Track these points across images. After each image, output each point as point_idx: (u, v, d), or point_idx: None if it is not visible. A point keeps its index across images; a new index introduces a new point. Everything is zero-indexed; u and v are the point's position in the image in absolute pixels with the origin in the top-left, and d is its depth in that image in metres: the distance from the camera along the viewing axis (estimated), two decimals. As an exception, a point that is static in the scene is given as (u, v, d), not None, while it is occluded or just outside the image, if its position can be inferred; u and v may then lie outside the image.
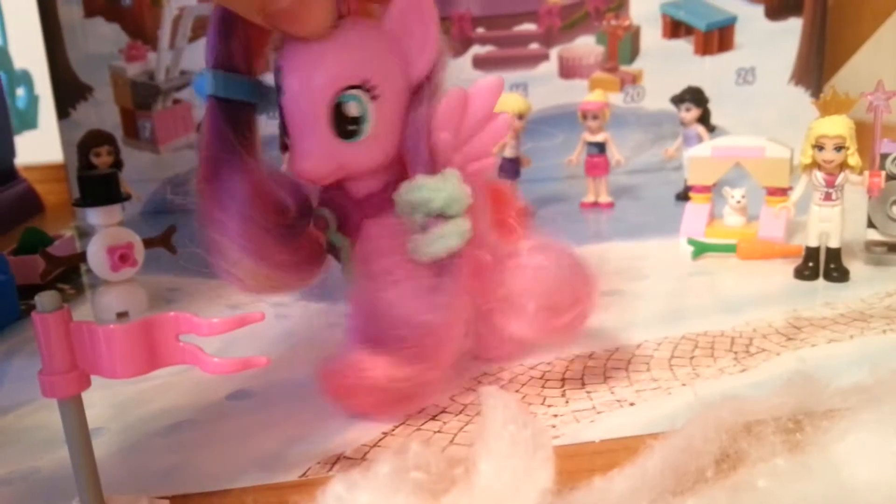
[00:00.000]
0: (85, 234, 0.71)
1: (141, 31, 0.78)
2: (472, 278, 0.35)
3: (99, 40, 0.78)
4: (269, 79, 0.34)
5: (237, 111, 0.33)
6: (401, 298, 0.33)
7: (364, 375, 0.34)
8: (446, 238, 0.33)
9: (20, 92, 0.91)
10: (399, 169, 0.35)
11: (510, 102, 0.67)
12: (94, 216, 0.50)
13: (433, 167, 0.33)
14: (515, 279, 0.36)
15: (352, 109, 0.32)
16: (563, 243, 0.38)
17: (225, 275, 0.34)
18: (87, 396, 0.30)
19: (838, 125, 0.47)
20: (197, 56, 0.78)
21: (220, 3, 0.32)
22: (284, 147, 0.35)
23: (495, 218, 0.39)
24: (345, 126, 0.33)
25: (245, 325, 0.29)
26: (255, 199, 0.33)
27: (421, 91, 0.34)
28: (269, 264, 0.34)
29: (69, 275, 0.60)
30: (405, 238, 0.34)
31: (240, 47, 0.33)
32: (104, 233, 0.50)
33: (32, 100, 0.92)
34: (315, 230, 0.36)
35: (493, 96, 0.36)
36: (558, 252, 0.37)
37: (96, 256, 0.50)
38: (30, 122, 0.92)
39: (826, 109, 0.47)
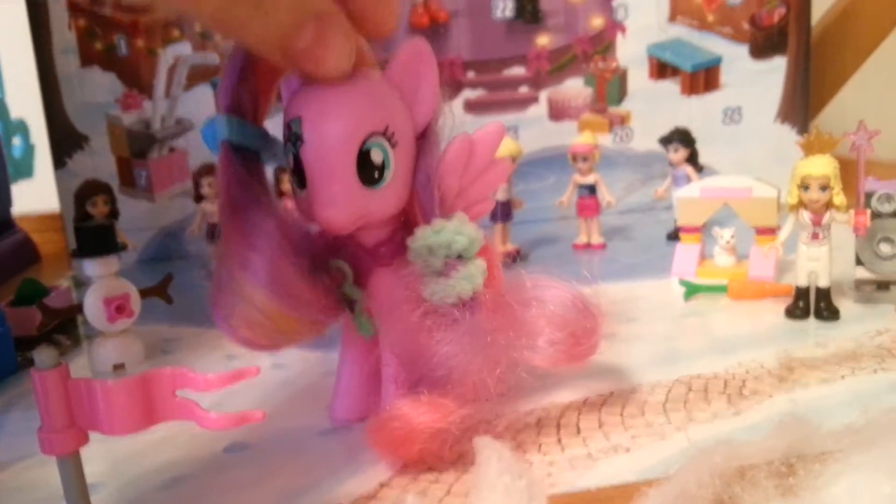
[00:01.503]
0: (81, 283, 0.72)
1: (137, 81, 0.79)
2: (493, 315, 0.36)
3: (95, 90, 0.79)
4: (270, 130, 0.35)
5: (249, 158, 0.34)
6: (440, 343, 0.34)
7: (414, 424, 0.33)
8: (471, 278, 0.34)
9: (16, 141, 0.93)
10: (402, 217, 0.36)
11: (501, 146, 0.68)
12: (91, 267, 0.50)
13: (442, 212, 0.35)
14: (532, 312, 0.37)
15: (376, 156, 0.33)
16: (558, 280, 0.40)
17: (231, 328, 0.33)
18: (84, 451, 0.30)
19: (822, 165, 0.48)
20: (192, 104, 0.80)
21: (242, 45, 0.32)
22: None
23: None
24: (370, 173, 0.33)
25: (241, 379, 0.29)
26: (282, 235, 0.33)
27: (426, 139, 0.35)
28: (293, 303, 0.33)
29: (66, 326, 0.60)
30: (418, 284, 0.34)
31: (248, 94, 0.34)
32: (100, 284, 0.50)
33: (28, 149, 0.94)
34: (330, 281, 0.36)
35: (495, 143, 0.38)
36: (558, 286, 0.39)
37: (93, 308, 0.50)
38: (25, 171, 0.93)
39: (810, 149, 0.48)
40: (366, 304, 0.37)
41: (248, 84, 0.34)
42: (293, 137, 0.33)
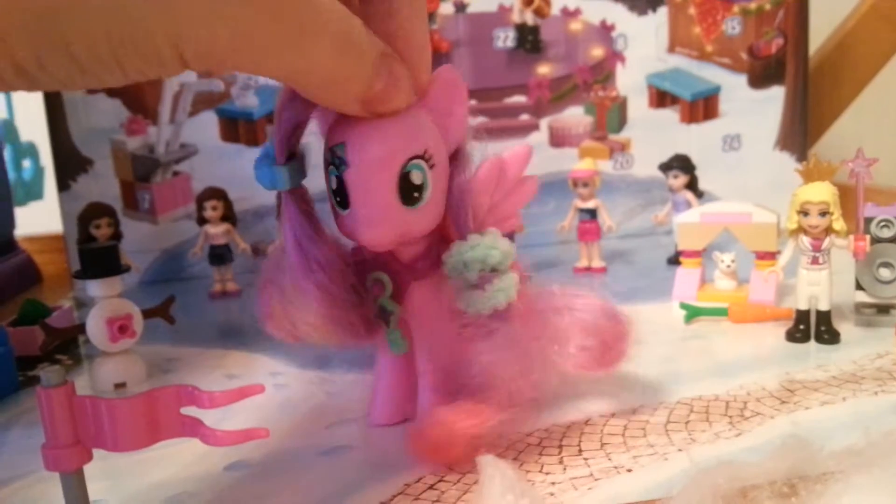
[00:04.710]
0: (83, 304, 0.72)
1: (142, 106, 0.80)
2: (526, 324, 0.37)
3: (100, 115, 0.80)
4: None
5: (302, 195, 0.36)
6: (477, 352, 0.35)
7: (454, 429, 0.35)
8: (506, 290, 0.36)
9: (26, 164, 0.94)
10: (437, 233, 0.37)
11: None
12: (94, 288, 0.50)
13: (476, 228, 0.37)
14: (564, 320, 0.40)
15: (416, 178, 0.35)
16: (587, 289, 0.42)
17: (275, 325, 0.37)
18: (86, 468, 0.30)
19: (822, 191, 0.48)
20: (196, 130, 0.80)
21: (319, 103, 0.33)
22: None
23: None
24: (410, 194, 0.35)
25: (245, 397, 0.30)
26: (336, 265, 0.36)
27: (458, 160, 0.37)
28: (338, 327, 0.37)
29: (67, 346, 0.60)
30: (454, 296, 0.36)
31: (297, 138, 0.35)
32: (103, 304, 0.51)
33: (38, 171, 0.94)
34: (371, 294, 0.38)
35: (524, 163, 0.40)
36: (588, 295, 0.41)
37: (95, 328, 0.50)
38: (35, 192, 0.94)
39: (809, 177, 0.49)
40: (401, 318, 0.38)
41: (299, 131, 0.35)
42: (337, 161, 0.34)
